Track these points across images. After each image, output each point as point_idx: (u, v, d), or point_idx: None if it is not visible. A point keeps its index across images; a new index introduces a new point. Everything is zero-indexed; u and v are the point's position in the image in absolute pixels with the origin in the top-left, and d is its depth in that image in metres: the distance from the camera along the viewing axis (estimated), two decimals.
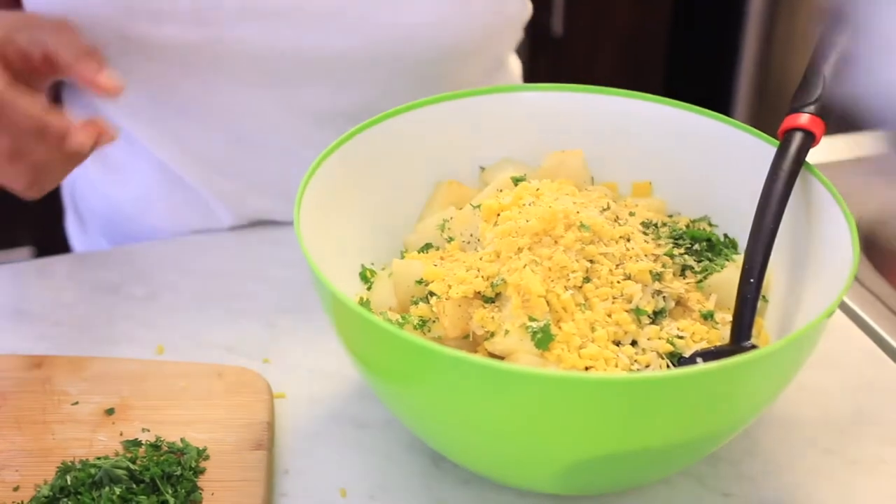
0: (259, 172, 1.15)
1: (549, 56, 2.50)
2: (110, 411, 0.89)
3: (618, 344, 0.82)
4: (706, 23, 2.58)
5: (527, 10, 1.18)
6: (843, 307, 1.06)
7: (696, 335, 0.84)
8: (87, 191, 1.26)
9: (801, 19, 2.43)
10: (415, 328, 0.84)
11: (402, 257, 0.92)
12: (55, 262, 1.12)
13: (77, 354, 0.96)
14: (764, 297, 0.89)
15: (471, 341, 0.83)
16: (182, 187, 1.17)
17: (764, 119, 2.47)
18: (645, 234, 0.88)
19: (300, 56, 1.05)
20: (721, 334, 0.84)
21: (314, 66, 1.06)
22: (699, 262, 0.89)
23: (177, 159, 1.15)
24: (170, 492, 0.81)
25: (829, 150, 1.30)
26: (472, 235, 0.88)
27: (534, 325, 0.80)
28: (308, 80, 1.08)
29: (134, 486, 0.81)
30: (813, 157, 0.88)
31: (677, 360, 0.82)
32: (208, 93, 1.08)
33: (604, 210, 0.88)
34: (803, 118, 0.88)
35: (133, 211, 1.20)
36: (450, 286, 0.83)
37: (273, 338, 1.00)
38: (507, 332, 0.80)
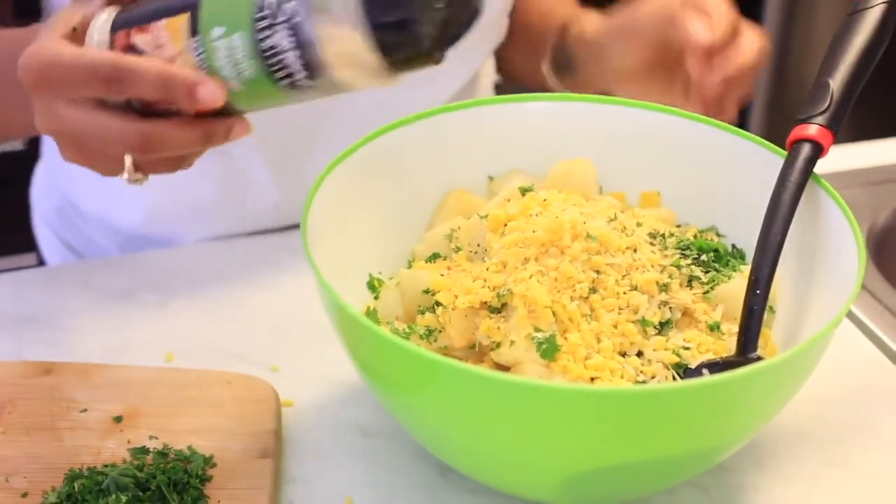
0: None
1: None
2: (118, 419, 0.89)
3: (624, 355, 0.82)
4: None
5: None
6: (852, 317, 1.05)
7: (702, 346, 0.84)
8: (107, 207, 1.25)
9: (818, 28, 2.42)
10: (421, 338, 0.84)
11: (410, 267, 0.92)
12: (65, 269, 1.13)
13: (86, 361, 0.96)
14: (771, 307, 0.89)
15: (477, 351, 0.84)
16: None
17: (780, 127, 2.46)
18: (652, 244, 0.88)
19: None
20: (727, 345, 0.84)
21: None
22: (706, 272, 0.89)
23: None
24: (176, 500, 0.81)
25: (843, 158, 1.30)
26: (479, 245, 0.88)
27: (539, 335, 0.80)
28: None
29: (140, 493, 0.81)
30: (826, 165, 0.88)
31: (683, 371, 0.82)
32: None
33: (611, 220, 0.88)
34: (811, 129, 0.88)
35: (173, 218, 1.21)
36: (456, 296, 0.83)
37: (282, 346, 1.01)
38: (512, 342, 0.81)
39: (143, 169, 0.83)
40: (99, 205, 1.25)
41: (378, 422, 0.92)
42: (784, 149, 0.90)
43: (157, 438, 0.87)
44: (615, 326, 0.82)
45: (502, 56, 1.34)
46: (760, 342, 0.83)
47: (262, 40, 0.74)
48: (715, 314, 0.86)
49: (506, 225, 0.87)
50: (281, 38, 0.73)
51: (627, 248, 0.85)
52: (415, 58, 0.75)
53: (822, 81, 0.89)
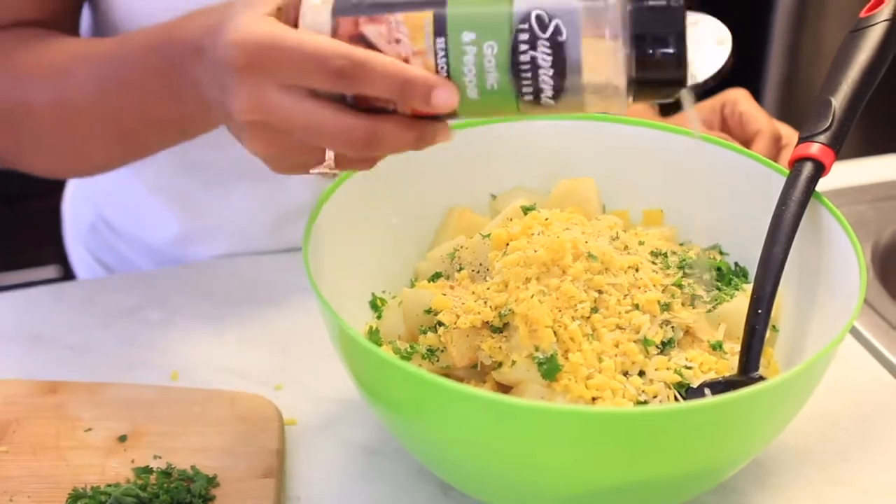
0: None
1: None
2: (123, 438, 0.89)
3: (625, 374, 0.82)
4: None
5: None
6: (857, 335, 1.05)
7: (704, 365, 0.84)
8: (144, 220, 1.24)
9: (827, 37, 2.42)
10: (423, 358, 0.84)
11: (413, 286, 0.92)
12: (72, 287, 1.13)
13: (92, 380, 0.97)
14: (773, 326, 0.89)
15: (479, 371, 0.84)
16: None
17: None
18: (654, 263, 0.88)
19: None
20: (730, 365, 0.84)
21: None
22: (708, 291, 0.89)
23: None
24: None
25: (849, 174, 1.30)
26: (481, 265, 0.88)
27: (541, 355, 0.80)
28: None
29: None
30: (831, 182, 0.88)
31: (685, 390, 0.82)
32: None
33: (613, 239, 0.88)
34: (813, 148, 0.88)
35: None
36: (458, 316, 0.84)
37: (285, 364, 1.01)
38: (514, 362, 0.81)
39: (340, 164, 0.77)
40: (133, 223, 1.24)
41: (380, 440, 0.92)
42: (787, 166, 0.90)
43: (160, 458, 0.88)
44: (617, 346, 0.82)
45: None
46: (763, 361, 0.83)
47: (518, 53, 0.69)
48: (717, 333, 0.86)
49: (507, 244, 0.87)
50: (540, 55, 0.68)
51: (629, 267, 0.86)
52: (662, 92, 0.71)
53: (824, 99, 0.89)
